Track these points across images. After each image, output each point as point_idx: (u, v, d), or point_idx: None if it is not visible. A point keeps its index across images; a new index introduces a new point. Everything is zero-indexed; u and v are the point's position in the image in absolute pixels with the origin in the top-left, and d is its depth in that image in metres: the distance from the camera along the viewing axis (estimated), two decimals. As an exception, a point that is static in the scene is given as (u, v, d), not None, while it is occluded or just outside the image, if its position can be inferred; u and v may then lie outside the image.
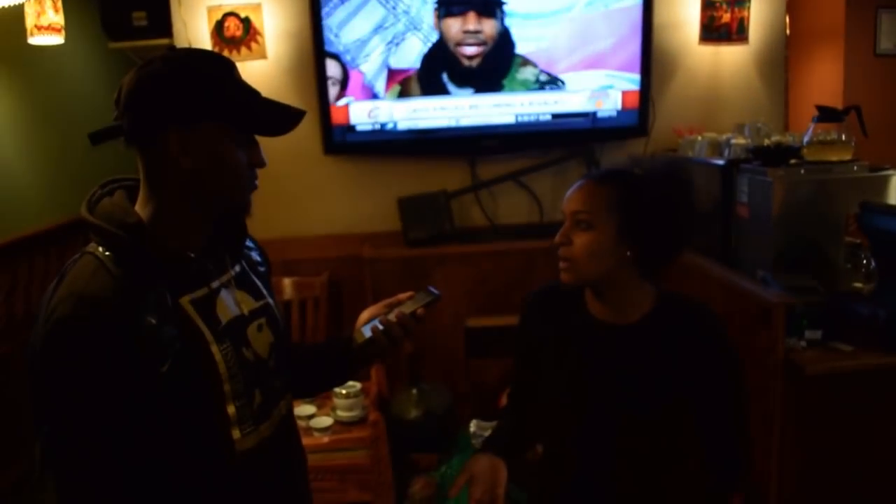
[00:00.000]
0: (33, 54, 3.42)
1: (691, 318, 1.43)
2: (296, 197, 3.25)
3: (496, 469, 1.39)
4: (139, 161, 1.10)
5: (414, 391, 2.77)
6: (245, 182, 1.13)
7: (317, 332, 3.10)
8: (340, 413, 2.42)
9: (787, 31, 3.65)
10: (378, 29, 3.02)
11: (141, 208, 1.11)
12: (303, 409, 2.46)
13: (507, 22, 3.03)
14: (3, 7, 2.46)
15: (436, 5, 3.00)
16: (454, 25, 3.01)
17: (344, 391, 2.41)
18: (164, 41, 3.06)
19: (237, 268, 1.23)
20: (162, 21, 3.04)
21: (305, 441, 2.28)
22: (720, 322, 1.44)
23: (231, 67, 1.11)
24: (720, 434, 1.44)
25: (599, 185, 1.40)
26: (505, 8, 3.02)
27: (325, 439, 2.34)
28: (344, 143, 3.14)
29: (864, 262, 2.36)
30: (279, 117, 1.14)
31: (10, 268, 3.25)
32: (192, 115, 1.06)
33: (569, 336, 1.47)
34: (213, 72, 1.09)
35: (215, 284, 1.15)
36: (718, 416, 1.43)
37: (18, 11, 2.71)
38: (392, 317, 1.27)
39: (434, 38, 3.03)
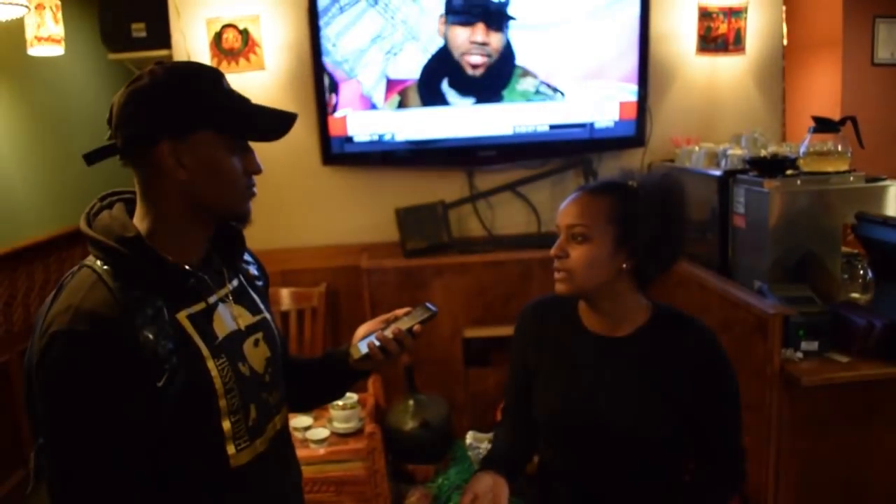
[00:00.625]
0: (33, 65, 3.43)
1: (685, 332, 1.43)
2: (294, 207, 3.26)
3: (498, 487, 1.39)
4: (135, 177, 1.11)
5: (411, 402, 2.76)
6: (242, 189, 1.14)
7: (315, 342, 3.10)
8: (337, 425, 2.42)
9: (785, 42, 3.66)
10: (376, 39, 3.03)
11: (139, 222, 1.11)
12: (299, 420, 2.45)
13: (509, 34, 3.04)
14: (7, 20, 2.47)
15: (443, 12, 3.01)
16: (462, 35, 3.01)
17: (340, 403, 2.40)
18: (164, 52, 3.08)
19: (235, 282, 1.24)
20: (161, 32, 3.06)
21: (302, 453, 2.28)
22: (714, 336, 1.44)
23: (219, 76, 1.12)
24: (714, 444, 1.44)
25: (595, 198, 1.41)
26: (511, 22, 3.03)
27: (322, 451, 2.33)
28: (342, 153, 3.15)
29: (862, 272, 2.37)
30: (271, 122, 1.14)
31: (10, 278, 3.25)
32: (183, 126, 1.07)
33: (562, 348, 1.48)
34: (200, 82, 1.10)
35: (213, 299, 1.15)
36: (712, 426, 1.43)
37: (18, 23, 2.72)
38: (388, 333, 1.27)
39: (436, 46, 3.04)
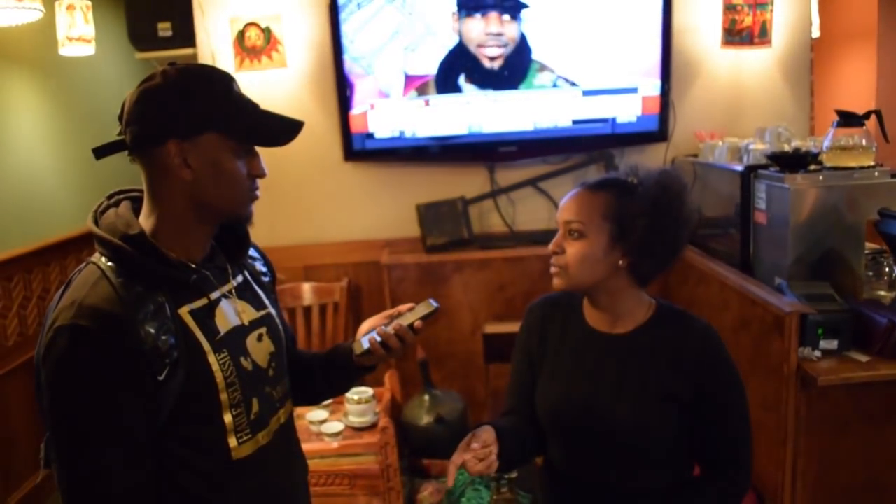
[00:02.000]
0: (65, 65, 3.52)
1: (686, 331, 1.42)
2: (316, 203, 3.30)
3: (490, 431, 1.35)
4: (142, 174, 1.14)
5: (426, 397, 2.77)
6: (245, 192, 1.15)
7: (336, 337, 3.14)
8: (352, 419, 2.44)
9: (818, 34, 3.58)
10: (395, 35, 3.04)
11: (144, 219, 1.14)
12: (315, 414, 2.48)
13: (524, 27, 3.03)
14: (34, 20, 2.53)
15: (455, 8, 3.01)
16: (476, 27, 3.01)
17: (356, 397, 2.43)
18: (189, 51, 3.14)
19: (239, 278, 1.26)
20: (186, 32, 3.12)
21: (315, 446, 2.32)
22: (716, 335, 1.42)
23: (229, 81, 1.14)
24: (715, 450, 1.41)
25: (593, 194, 1.40)
26: (525, 11, 3.01)
27: (335, 444, 2.36)
28: (364, 150, 3.17)
29: (887, 269, 2.31)
30: (277, 128, 1.16)
31: (43, 272, 3.35)
32: (191, 127, 1.09)
33: (565, 344, 1.48)
34: (211, 85, 1.12)
35: (215, 295, 1.17)
36: (713, 431, 1.40)
37: (50, 23, 2.79)
38: (389, 329, 1.28)
39: (452, 42, 3.04)
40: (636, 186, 1.39)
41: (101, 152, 1.15)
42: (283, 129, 1.16)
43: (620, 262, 1.38)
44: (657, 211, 1.36)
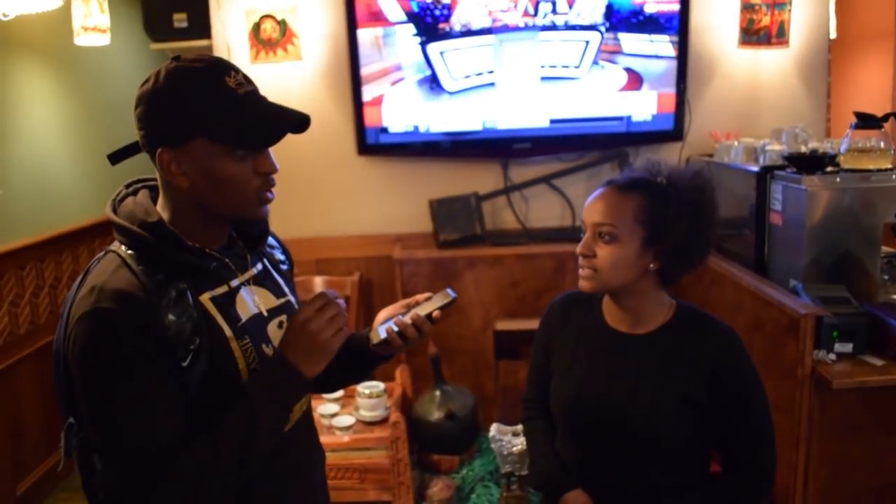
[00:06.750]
0: (80, 54, 3.52)
1: (707, 334, 1.40)
2: (329, 197, 3.30)
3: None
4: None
5: (437, 393, 2.77)
6: (250, 195, 1.11)
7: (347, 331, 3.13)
8: (363, 413, 2.44)
9: (835, 35, 3.55)
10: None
11: (161, 209, 1.13)
12: (326, 407, 2.49)
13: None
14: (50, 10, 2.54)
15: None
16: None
17: (367, 391, 2.43)
18: (204, 42, 3.14)
19: (259, 266, 1.25)
20: (202, 23, 3.12)
21: (327, 439, 2.32)
22: (737, 339, 1.41)
23: (220, 77, 1.07)
24: (737, 454, 1.40)
25: (624, 195, 1.36)
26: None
27: (346, 438, 2.36)
28: (377, 144, 3.17)
29: (903, 273, 2.30)
30: (272, 125, 1.09)
31: (55, 261, 3.36)
32: (176, 135, 1.06)
33: (582, 342, 1.47)
34: (196, 86, 1.06)
35: (235, 283, 1.17)
36: (734, 435, 1.39)
37: (66, 13, 2.80)
38: (407, 318, 1.27)
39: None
40: (667, 188, 1.36)
41: (115, 158, 1.15)
42: (277, 126, 1.08)
43: (652, 266, 1.37)
44: (696, 215, 1.34)
